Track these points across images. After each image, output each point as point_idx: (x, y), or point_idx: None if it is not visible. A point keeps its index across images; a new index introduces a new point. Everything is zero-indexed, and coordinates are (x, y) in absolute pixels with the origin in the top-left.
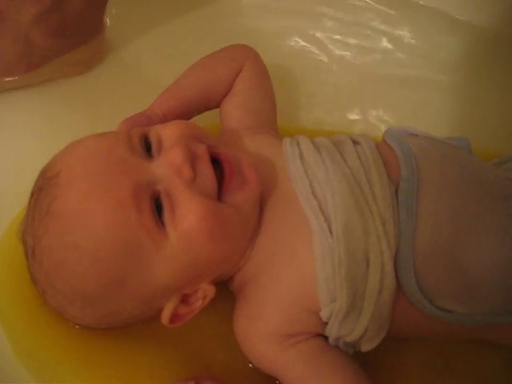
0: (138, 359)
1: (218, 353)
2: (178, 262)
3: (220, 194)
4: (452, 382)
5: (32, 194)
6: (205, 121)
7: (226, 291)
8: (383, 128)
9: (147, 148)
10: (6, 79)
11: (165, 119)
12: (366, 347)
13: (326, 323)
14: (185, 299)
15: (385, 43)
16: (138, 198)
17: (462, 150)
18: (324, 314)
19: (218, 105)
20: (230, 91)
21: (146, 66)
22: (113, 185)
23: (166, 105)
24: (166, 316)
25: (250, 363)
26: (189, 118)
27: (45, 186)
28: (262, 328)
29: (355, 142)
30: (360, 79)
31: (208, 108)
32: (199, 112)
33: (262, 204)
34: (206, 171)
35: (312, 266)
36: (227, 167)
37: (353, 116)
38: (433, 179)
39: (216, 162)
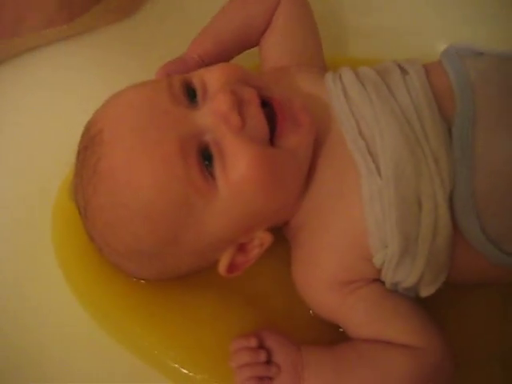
0: (199, 307)
1: (278, 299)
2: (230, 215)
3: (272, 139)
4: None
5: (78, 153)
6: (243, 61)
7: (281, 236)
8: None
9: (191, 95)
10: (48, 31)
11: (202, 63)
12: (424, 292)
13: (381, 269)
14: (241, 248)
15: None
16: (185, 151)
17: None
18: (376, 261)
19: (257, 43)
20: (269, 27)
21: (191, 7)
22: (158, 140)
23: (202, 47)
24: (223, 266)
25: (310, 310)
26: (228, 59)
27: (89, 144)
28: (319, 276)
29: (403, 71)
30: None
31: (247, 47)
32: (238, 52)
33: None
34: (256, 115)
35: (361, 210)
36: (279, 109)
37: (406, 41)
38: (492, 110)
39: (265, 105)
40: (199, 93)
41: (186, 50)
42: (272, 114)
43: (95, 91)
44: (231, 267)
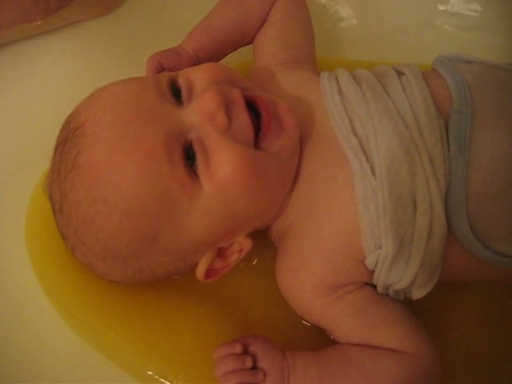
0: (176, 313)
1: (257, 304)
2: (213, 215)
3: (257, 141)
4: (508, 327)
5: (56, 147)
6: (237, 58)
7: (265, 240)
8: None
9: (176, 94)
10: (26, 25)
11: (195, 57)
12: (417, 294)
13: (373, 271)
14: (220, 253)
15: None
16: (170, 148)
17: None
18: (369, 262)
19: (252, 40)
20: (265, 23)
21: (173, 4)
22: (143, 134)
23: (197, 41)
24: (201, 271)
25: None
26: (222, 56)
27: (70, 137)
28: (307, 280)
29: (399, 73)
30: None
31: (242, 44)
32: (233, 49)
33: (300, 147)
34: (242, 117)
35: (354, 211)
36: (265, 112)
37: (400, 45)
38: (489, 110)
39: (250, 107)
40: (184, 92)
41: (181, 43)
42: (257, 118)
43: (72, 87)
44: (209, 272)
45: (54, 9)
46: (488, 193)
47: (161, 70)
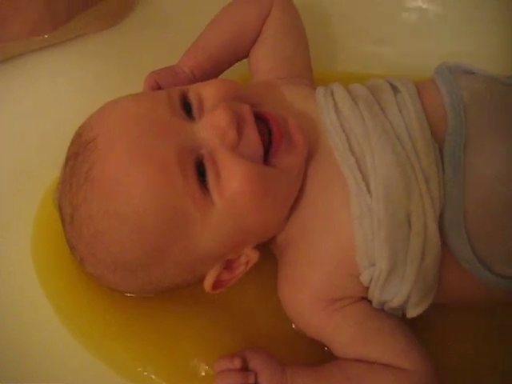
0: (179, 326)
1: (260, 316)
2: (223, 229)
3: (267, 157)
4: (507, 344)
5: (67, 159)
6: (235, 72)
7: (268, 252)
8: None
9: (187, 109)
10: (33, 38)
11: (192, 76)
12: (411, 313)
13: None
14: (228, 265)
15: None
16: (183, 162)
17: None
18: (364, 279)
19: (247, 54)
20: (258, 38)
21: (179, 16)
22: (156, 148)
23: (193, 61)
24: (208, 283)
25: (293, 325)
26: (219, 72)
27: (81, 150)
28: (306, 293)
29: (395, 89)
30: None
31: (238, 59)
32: (230, 64)
33: None
34: (251, 134)
35: (350, 228)
36: (276, 129)
37: (397, 56)
38: (484, 131)
39: (260, 121)
40: (195, 107)
41: (178, 62)
42: (267, 129)
43: (80, 99)
44: (216, 284)
45: (61, 22)
46: (487, 214)
47: (157, 88)
